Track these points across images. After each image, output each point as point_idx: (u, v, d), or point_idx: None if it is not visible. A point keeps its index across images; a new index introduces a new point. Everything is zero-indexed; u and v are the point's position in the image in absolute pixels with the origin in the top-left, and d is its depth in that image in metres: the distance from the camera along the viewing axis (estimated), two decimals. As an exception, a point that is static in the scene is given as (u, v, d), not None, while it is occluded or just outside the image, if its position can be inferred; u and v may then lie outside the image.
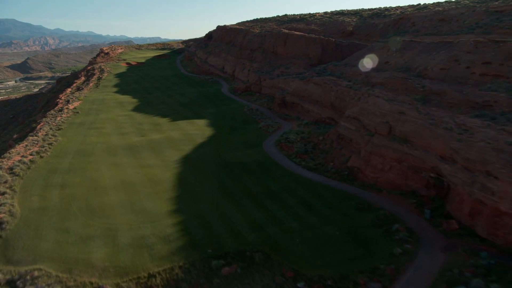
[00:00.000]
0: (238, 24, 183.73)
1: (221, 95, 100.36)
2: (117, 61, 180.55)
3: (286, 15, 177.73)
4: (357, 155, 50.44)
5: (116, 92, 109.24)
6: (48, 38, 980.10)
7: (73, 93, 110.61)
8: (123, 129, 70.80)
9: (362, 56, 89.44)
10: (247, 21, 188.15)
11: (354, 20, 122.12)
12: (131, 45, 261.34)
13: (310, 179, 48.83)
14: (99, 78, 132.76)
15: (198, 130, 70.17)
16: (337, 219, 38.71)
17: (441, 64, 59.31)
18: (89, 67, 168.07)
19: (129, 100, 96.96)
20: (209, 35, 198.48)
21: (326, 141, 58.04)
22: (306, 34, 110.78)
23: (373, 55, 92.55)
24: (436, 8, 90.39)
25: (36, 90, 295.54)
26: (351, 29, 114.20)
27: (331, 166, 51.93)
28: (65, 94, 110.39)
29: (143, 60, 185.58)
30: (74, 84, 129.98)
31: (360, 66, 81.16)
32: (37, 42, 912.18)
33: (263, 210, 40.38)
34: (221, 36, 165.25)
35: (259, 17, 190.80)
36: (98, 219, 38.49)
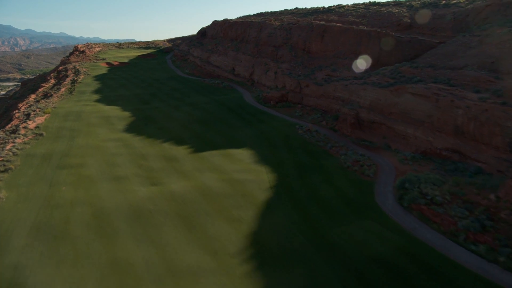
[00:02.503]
0: (241, 18, 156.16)
1: (248, 107, 72.26)
2: (95, 61, 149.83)
3: (297, 8, 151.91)
4: None
5: (98, 100, 79.55)
6: (18, 39, 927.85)
7: (38, 101, 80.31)
8: (118, 169, 41.93)
9: (454, 55, 63.82)
10: (251, 15, 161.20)
11: (405, 11, 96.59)
12: (110, 43, 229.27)
13: None
14: (73, 81, 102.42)
15: (246, 170, 42.04)
16: None
17: None
18: (60, 67, 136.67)
19: (118, 114, 67.68)
20: (203, 32, 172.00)
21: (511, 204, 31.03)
22: (354, 27, 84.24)
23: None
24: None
25: (3, 92, 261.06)
26: (409, 21, 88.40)
27: None
28: (27, 103, 79.91)
29: (126, 60, 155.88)
30: (41, 89, 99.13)
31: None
32: (6, 43, 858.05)
33: None
34: (223, 32, 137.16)
35: (263, 11, 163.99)
36: None
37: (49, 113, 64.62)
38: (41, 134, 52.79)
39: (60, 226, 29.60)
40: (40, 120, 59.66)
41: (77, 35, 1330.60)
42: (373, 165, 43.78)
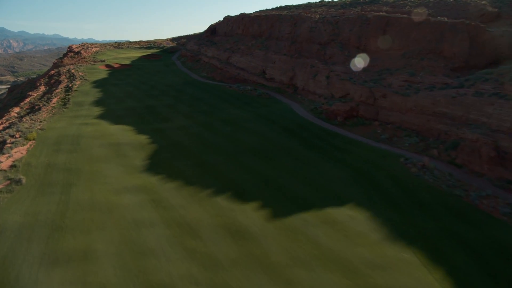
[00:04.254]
0: (258, 13, 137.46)
1: (311, 127, 53.25)
2: (92, 63, 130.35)
3: (322, 0, 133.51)
4: None
5: (101, 117, 60.40)
6: (11, 41, 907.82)
7: (21, 117, 61.11)
8: (153, 264, 22.87)
9: None
10: (269, 9, 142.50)
11: (479, -1, 78.24)
12: (108, 43, 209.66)
13: None
14: (67, 89, 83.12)
15: (388, 264, 23.16)
16: None
17: None
18: (53, 71, 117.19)
19: (131, 139, 48.58)
20: (212, 29, 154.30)
21: None
22: (430, 18, 65.73)
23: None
24: None
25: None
26: (496, 10, 70.02)
27: None
28: (6, 121, 60.68)
29: (128, 62, 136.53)
30: (27, 99, 79.73)
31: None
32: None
33: None
34: (242, 28, 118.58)
35: (283, 5, 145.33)
36: None
37: (33, 139, 45.47)
38: (18, 181, 33.69)
39: None
40: (19, 152, 40.49)
41: (71, 37, 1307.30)
42: None
